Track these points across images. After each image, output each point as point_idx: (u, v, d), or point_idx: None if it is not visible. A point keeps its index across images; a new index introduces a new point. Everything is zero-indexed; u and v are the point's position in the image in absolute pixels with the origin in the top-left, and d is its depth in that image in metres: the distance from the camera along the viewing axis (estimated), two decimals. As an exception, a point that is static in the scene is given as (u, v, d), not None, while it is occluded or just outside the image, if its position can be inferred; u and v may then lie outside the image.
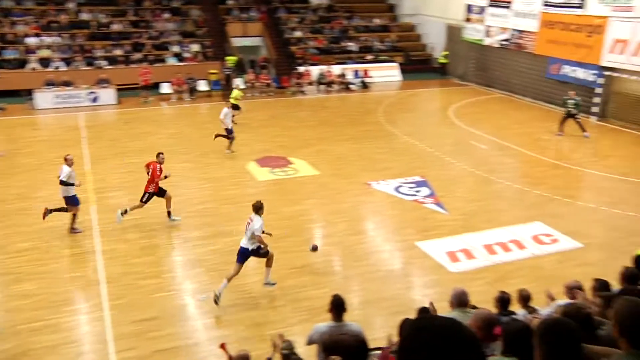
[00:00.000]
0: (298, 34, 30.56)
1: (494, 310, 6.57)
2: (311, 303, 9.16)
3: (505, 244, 11.46)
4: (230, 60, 26.68)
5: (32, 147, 17.78)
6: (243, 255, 9.24)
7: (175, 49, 27.86)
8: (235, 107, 19.56)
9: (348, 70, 28.20)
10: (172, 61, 27.09)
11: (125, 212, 11.86)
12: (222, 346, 6.25)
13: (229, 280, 9.14)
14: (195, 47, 28.09)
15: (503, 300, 6.50)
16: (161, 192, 12.12)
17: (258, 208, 9.22)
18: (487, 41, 27.30)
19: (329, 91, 26.82)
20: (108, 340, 8.26)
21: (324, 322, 6.18)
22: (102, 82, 24.03)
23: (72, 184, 11.41)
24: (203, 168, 15.90)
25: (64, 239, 11.47)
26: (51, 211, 11.62)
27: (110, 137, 18.92)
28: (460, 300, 6.05)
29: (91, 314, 8.93)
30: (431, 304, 6.56)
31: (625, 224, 12.51)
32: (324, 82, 27.00)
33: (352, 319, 8.50)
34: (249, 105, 24.22)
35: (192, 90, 25.06)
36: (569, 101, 19.33)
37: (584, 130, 19.09)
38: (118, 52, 26.92)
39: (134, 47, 27.37)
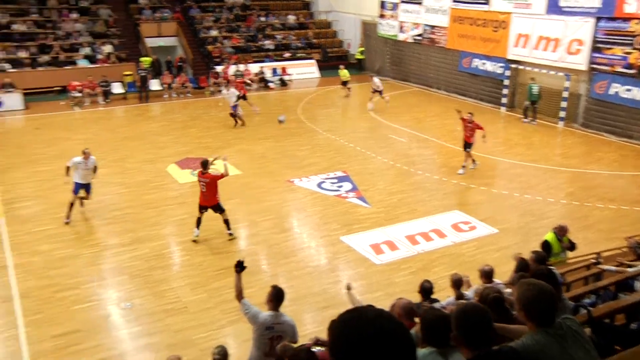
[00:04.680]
0: (214, 33, 30.12)
1: (418, 299, 6.78)
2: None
3: (426, 233, 11.82)
4: (145, 61, 25.94)
5: None
6: None
7: (87, 50, 26.75)
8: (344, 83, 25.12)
9: (266, 68, 28.12)
10: (83, 63, 25.98)
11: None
12: None
13: None
14: (108, 48, 27.08)
15: (425, 289, 6.71)
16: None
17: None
18: (401, 36, 28.01)
19: (247, 90, 26.56)
20: (24, 358, 7.86)
21: (264, 312, 6.26)
22: (6, 87, 22.73)
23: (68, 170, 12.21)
24: (121, 173, 15.39)
25: (-28, 255, 10.80)
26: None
27: (19, 144, 17.95)
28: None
29: (3, 333, 8.45)
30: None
31: (536, 208, 13.21)
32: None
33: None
34: (166, 107, 23.71)
35: (106, 93, 24.17)
36: (534, 87, 20.27)
37: (534, 118, 20.61)
38: (22, 54, 25.51)
39: (40, 49, 26.05)
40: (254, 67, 27.74)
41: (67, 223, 12.05)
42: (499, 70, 22.95)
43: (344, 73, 25.07)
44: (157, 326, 8.62)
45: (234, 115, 20.14)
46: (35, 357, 7.86)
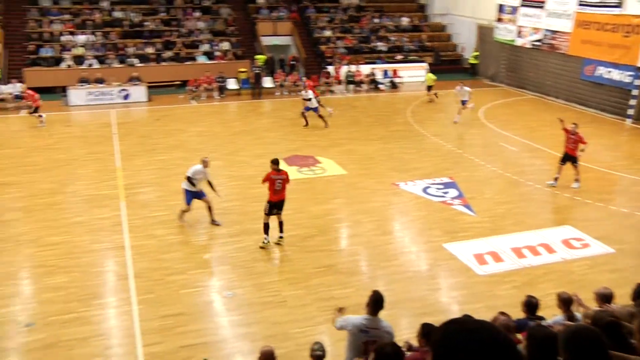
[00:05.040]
0: (327, 33, 30.55)
1: (522, 314, 6.49)
2: (337, 302, 9.08)
3: (534, 247, 11.28)
4: (260, 59, 26.80)
5: (65, 143, 18.12)
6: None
7: (206, 47, 28.11)
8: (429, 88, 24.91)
9: (377, 70, 28.09)
10: (202, 59, 27.32)
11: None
12: None
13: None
14: (225, 46, 28.31)
15: (531, 305, 6.41)
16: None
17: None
18: (519, 42, 26.91)
19: (357, 91, 26.76)
20: (136, 334, 8.38)
21: (358, 315, 6.23)
22: (134, 80, 24.37)
23: (193, 184, 11.74)
24: (231, 166, 16.00)
25: (94, 234, 11.65)
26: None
27: (141, 133, 19.19)
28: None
29: (120, 308, 9.06)
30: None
31: (660, 229, 12.21)
32: (352, 81, 26.95)
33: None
34: (277, 104, 24.34)
35: (222, 89, 25.25)
36: None
37: None
38: (149, 50, 27.28)
39: (165, 46, 27.71)
40: (365, 69, 27.81)
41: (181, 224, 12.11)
42: (627, 79, 21.43)
43: (429, 77, 24.94)
44: (256, 317, 8.87)
45: (320, 116, 20.20)
46: (146, 333, 8.35)
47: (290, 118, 21.71)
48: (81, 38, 27.04)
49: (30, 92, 20.77)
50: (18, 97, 22.80)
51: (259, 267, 10.42)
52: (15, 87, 23.24)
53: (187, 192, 11.86)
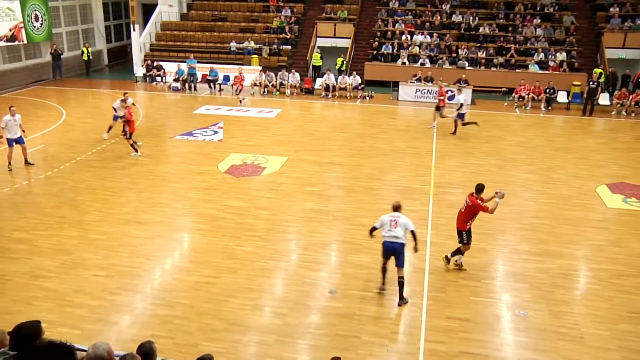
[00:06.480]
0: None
1: None
2: (646, 357, 7.95)
3: None
4: (597, 72, 24.61)
5: (388, 134, 19.43)
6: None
7: (540, 56, 26.95)
8: None
9: None
10: (533, 68, 26.30)
11: None
12: None
13: None
14: (561, 56, 26.69)
15: None
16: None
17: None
18: None
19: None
20: (421, 327, 8.57)
21: None
22: (461, 82, 24.75)
23: None
24: (546, 182, 15.11)
25: (400, 223, 12.23)
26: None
27: (459, 135, 19.44)
28: None
29: (411, 299, 9.36)
30: None
31: None
32: None
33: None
34: (611, 125, 22.12)
35: (549, 101, 23.97)
36: None
37: None
38: (481, 54, 27.35)
39: (497, 51, 27.45)
40: None
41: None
42: None
43: None
44: (546, 345, 8.26)
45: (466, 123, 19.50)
46: (430, 329, 8.49)
47: (625, 141, 19.52)
48: (418, 38, 28.56)
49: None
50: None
51: (559, 293, 9.66)
52: (355, 79, 25.77)
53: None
